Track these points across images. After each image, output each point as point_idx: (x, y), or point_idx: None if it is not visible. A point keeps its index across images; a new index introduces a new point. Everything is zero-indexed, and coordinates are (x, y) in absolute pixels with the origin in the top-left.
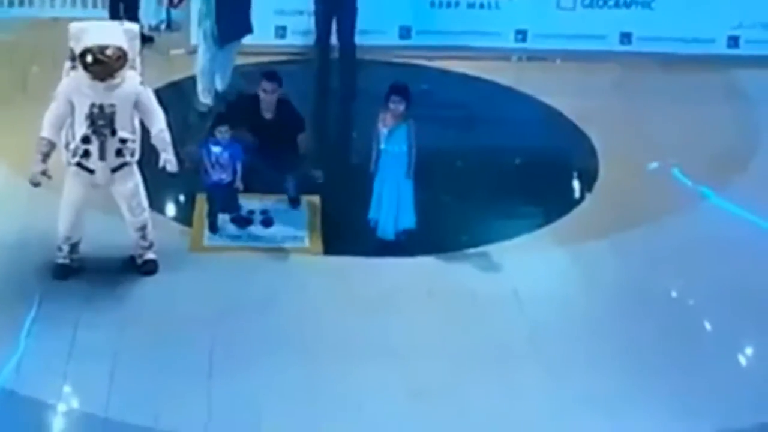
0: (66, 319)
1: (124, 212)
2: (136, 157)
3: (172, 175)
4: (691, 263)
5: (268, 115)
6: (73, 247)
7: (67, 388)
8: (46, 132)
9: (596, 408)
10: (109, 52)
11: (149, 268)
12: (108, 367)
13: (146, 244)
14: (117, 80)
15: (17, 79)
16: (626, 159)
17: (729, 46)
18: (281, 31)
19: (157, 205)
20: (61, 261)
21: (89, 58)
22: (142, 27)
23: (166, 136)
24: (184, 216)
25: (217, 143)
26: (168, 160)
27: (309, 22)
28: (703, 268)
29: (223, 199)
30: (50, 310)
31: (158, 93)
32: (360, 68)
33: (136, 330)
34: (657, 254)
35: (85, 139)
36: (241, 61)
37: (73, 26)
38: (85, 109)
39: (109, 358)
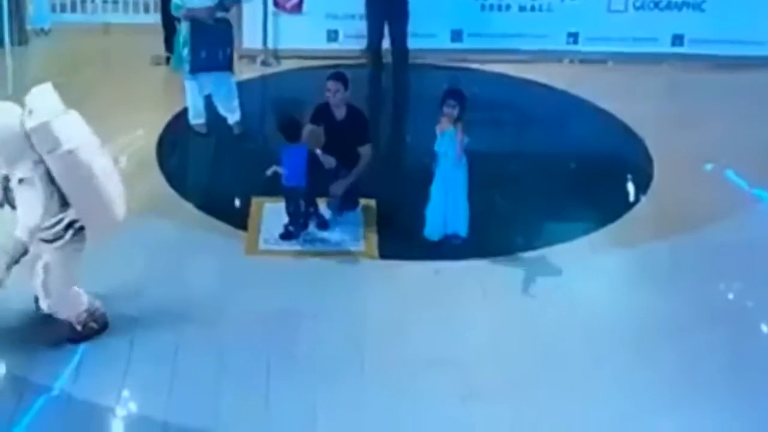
0: (124, 322)
1: None
2: (59, 244)
3: (229, 178)
4: (748, 265)
5: (338, 115)
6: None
7: (125, 392)
8: None
9: (654, 411)
10: None
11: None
12: (167, 370)
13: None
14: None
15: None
16: (680, 161)
17: None
18: (333, 35)
19: (212, 209)
20: None
21: None
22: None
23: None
24: (240, 220)
25: (285, 145)
26: None
27: (361, 26)
28: (760, 270)
29: (295, 201)
30: (108, 311)
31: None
32: (412, 72)
33: (193, 333)
34: (713, 256)
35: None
36: (293, 65)
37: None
38: None
39: (167, 362)
